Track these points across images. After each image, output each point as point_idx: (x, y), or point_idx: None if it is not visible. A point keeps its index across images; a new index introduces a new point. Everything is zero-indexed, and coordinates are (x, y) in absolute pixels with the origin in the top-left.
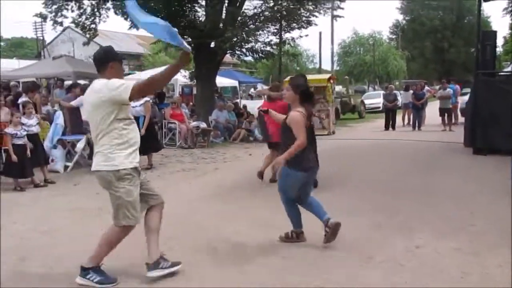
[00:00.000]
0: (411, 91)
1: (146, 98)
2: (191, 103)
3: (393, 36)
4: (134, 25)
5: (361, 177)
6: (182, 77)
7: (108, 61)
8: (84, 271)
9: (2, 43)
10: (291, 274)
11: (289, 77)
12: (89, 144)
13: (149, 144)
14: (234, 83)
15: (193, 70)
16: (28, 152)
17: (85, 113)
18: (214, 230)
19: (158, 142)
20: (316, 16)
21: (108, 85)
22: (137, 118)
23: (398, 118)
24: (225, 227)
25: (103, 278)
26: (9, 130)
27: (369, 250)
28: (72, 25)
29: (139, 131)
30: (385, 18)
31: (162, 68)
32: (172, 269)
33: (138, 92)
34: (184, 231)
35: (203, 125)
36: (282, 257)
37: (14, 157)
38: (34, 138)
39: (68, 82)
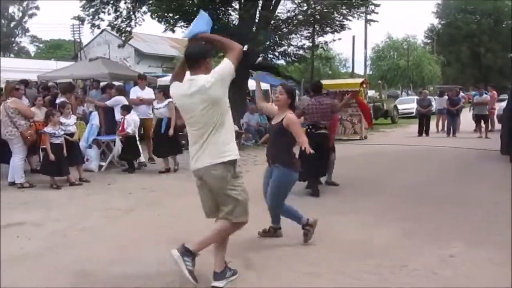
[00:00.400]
0: (446, 97)
1: (170, 99)
2: None
3: (428, 41)
4: (170, 29)
5: (394, 184)
6: None
7: (206, 58)
8: (184, 252)
9: (41, 45)
10: (318, 277)
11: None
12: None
13: (171, 146)
14: (266, 86)
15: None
16: (65, 151)
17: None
18: (245, 233)
19: (179, 145)
20: (350, 20)
21: (215, 72)
22: (160, 120)
23: (432, 124)
24: (253, 230)
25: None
26: (48, 129)
27: (402, 258)
28: (108, 28)
29: (162, 132)
30: (420, 22)
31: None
32: (234, 277)
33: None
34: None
35: (235, 128)
36: (309, 263)
37: (52, 156)
38: (71, 137)
39: (103, 83)
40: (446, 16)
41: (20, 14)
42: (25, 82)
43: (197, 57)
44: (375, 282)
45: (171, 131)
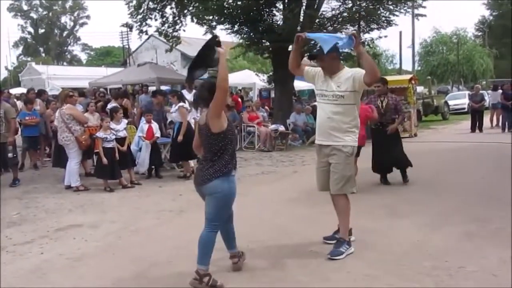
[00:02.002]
0: (500, 91)
1: (181, 103)
2: (266, 107)
3: (479, 33)
4: (210, 31)
5: (449, 184)
6: (260, 81)
7: None
8: (339, 243)
9: (92, 52)
10: (375, 279)
11: None
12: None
13: (186, 151)
14: (312, 86)
15: (271, 73)
16: (117, 154)
17: None
18: (297, 234)
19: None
20: (397, 16)
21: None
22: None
23: (486, 120)
24: (307, 232)
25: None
26: (100, 134)
27: (460, 259)
28: (155, 33)
29: (173, 137)
30: (470, 15)
31: (241, 73)
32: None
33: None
34: (266, 234)
35: (282, 128)
36: (366, 265)
37: (105, 160)
38: (122, 142)
39: (152, 88)
40: (498, 7)
41: (72, 24)
42: (82, 93)
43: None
44: (431, 284)
45: (180, 138)
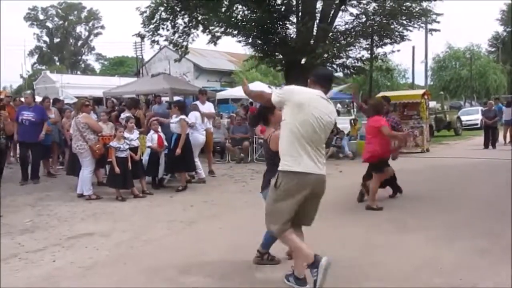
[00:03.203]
0: None
1: (182, 116)
2: None
3: (493, 49)
4: (213, 41)
5: (464, 199)
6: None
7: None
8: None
9: (105, 62)
10: None
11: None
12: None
13: (182, 163)
14: None
15: (284, 86)
16: (130, 164)
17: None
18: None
19: (191, 162)
20: (411, 31)
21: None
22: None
23: (500, 136)
24: (317, 246)
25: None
26: (113, 143)
27: (473, 276)
28: (167, 44)
29: (169, 147)
30: (484, 31)
31: (252, 85)
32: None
33: None
34: (275, 247)
35: None
36: (376, 280)
37: (117, 169)
38: (134, 151)
39: (165, 98)
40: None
41: (87, 34)
42: (98, 101)
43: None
44: None
45: (178, 151)
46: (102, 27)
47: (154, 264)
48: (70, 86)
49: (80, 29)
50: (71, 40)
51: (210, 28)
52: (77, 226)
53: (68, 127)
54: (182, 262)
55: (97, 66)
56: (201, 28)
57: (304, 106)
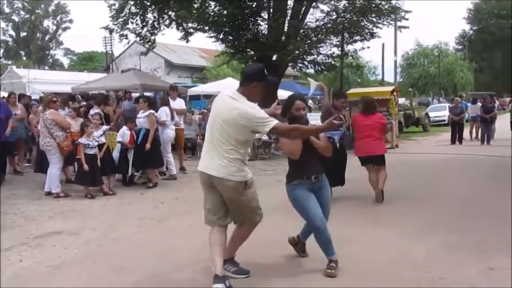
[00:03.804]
0: (479, 104)
1: (151, 110)
2: None
3: (460, 47)
4: (185, 37)
5: (430, 194)
6: None
7: (253, 80)
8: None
9: (74, 57)
10: None
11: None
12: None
13: (150, 159)
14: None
15: None
16: (99, 161)
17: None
18: (277, 244)
19: (159, 158)
20: (380, 28)
21: (255, 117)
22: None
23: (465, 132)
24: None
25: (238, 270)
26: (82, 140)
27: (441, 270)
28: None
29: (137, 143)
30: (451, 29)
31: (224, 81)
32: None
33: (277, 132)
34: (249, 244)
35: (265, 137)
36: (348, 275)
37: (86, 166)
38: (100, 148)
39: (135, 94)
40: (478, 22)
41: (55, 28)
42: (72, 97)
43: (248, 77)
44: None
45: (148, 145)
46: (71, 21)
47: (124, 262)
48: (37, 81)
49: (48, 23)
50: (38, 34)
51: (184, 25)
52: (45, 225)
53: (35, 123)
54: (152, 260)
55: (65, 61)
56: (174, 25)
57: (212, 109)
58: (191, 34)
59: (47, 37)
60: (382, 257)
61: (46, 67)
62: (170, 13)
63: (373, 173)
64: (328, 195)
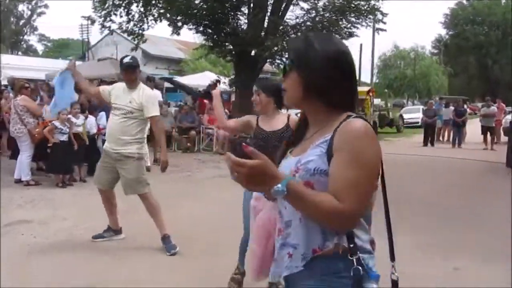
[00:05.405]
0: (452, 108)
1: None
2: (226, 110)
3: (436, 51)
4: (176, 32)
5: (399, 195)
6: (221, 83)
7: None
8: (164, 239)
9: (49, 44)
10: None
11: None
12: None
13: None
14: None
15: (233, 77)
16: (75, 147)
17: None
18: None
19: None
20: (358, 28)
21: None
22: None
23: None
24: None
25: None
26: (56, 123)
27: (409, 267)
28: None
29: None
30: (428, 33)
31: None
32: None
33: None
34: (216, 235)
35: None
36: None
37: (51, 139)
38: (77, 137)
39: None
40: (454, 27)
41: (29, 13)
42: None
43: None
44: None
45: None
46: (46, 6)
47: (93, 252)
48: (10, 67)
49: (23, 8)
50: (12, 19)
51: (173, 18)
52: (14, 213)
53: (7, 109)
54: (121, 251)
55: (40, 48)
56: (155, 16)
57: None
58: (180, 28)
59: (21, 22)
60: None
61: (20, 53)
62: (155, 7)
63: None
64: None
